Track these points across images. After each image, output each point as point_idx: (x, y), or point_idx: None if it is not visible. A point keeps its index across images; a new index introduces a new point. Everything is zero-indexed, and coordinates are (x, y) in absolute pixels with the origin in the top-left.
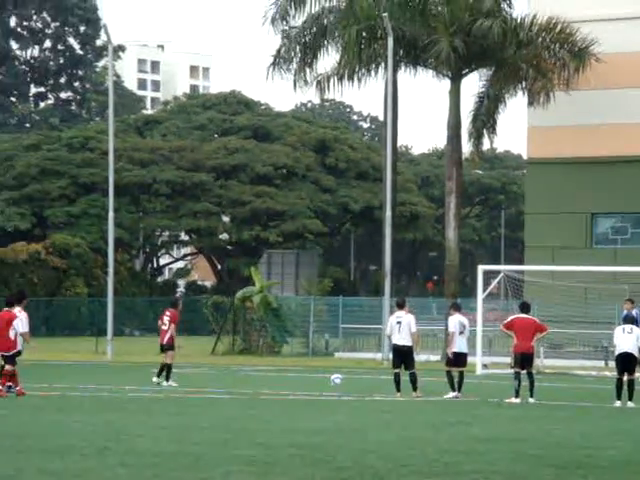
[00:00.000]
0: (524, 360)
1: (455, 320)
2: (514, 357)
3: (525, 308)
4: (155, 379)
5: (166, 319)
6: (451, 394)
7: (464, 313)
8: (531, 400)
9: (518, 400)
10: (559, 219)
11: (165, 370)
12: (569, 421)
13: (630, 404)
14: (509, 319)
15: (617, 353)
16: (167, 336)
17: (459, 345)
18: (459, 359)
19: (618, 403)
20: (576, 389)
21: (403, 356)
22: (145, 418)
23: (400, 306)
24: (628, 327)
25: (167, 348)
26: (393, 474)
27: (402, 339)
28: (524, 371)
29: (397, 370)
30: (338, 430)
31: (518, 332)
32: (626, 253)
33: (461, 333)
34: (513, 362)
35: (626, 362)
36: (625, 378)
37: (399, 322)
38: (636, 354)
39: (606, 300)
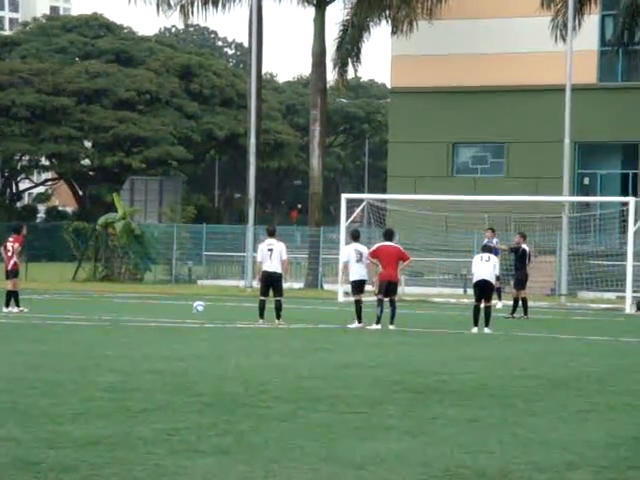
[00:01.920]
0: (389, 288)
1: (350, 249)
2: (379, 284)
3: (389, 236)
4: (5, 309)
5: (9, 245)
6: (356, 324)
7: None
8: (391, 327)
9: (379, 327)
10: (421, 148)
11: (12, 297)
12: (427, 347)
13: (486, 330)
14: (374, 247)
15: (475, 280)
16: (11, 262)
17: (360, 273)
18: (361, 287)
19: (475, 329)
20: (435, 316)
21: (272, 283)
22: (1, 344)
23: (271, 234)
24: (486, 255)
25: (12, 275)
26: (253, 399)
27: (273, 266)
28: (387, 298)
29: (264, 297)
30: (199, 357)
31: (383, 260)
32: (485, 182)
33: (358, 261)
34: (377, 289)
35: (483, 289)
36: (482, 305)
37: (270, 249)
38: (493, 282)
39: (466, 229)
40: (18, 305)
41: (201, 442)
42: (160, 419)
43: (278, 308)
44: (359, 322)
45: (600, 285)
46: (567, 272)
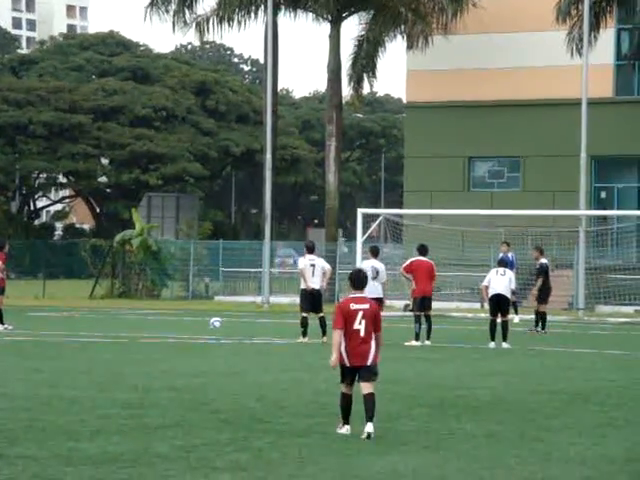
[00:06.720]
0: (423, 303)
1: (367, 265)
2: (414, 301)
3: (424, 251)
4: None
5: None
6: None
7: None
8: (427, 342)
9: (418, 343)
10: (437, 163)
11: None
12: (444, 362)
13: (504, 345)
14: (408, 262)
15: (490, 294)
16: None
17: (374, 291)
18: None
19: (492, 344)
20: (452, 331)
21: (316, 300)
22: (20, 362)
23: (310, 250)
24: (501, 269)
25: None
26: (270, 416)
27: (316, 283)
28: (421, 313)
29: (306, 314)
30: (217, 373)
31: (418, 275)
32: (502, 197)
33: (374, 278)
34: (412, 305)
35: (499, 303)
36: (499, 320)
37: (313, 264)
38: (508, 296)
39: (482, 243)
40: (2, 322)
41: (219, 458)
42: (177, 436)
43: (324, 324)
44: None
45: (618, 299)
46: (584, 286)
